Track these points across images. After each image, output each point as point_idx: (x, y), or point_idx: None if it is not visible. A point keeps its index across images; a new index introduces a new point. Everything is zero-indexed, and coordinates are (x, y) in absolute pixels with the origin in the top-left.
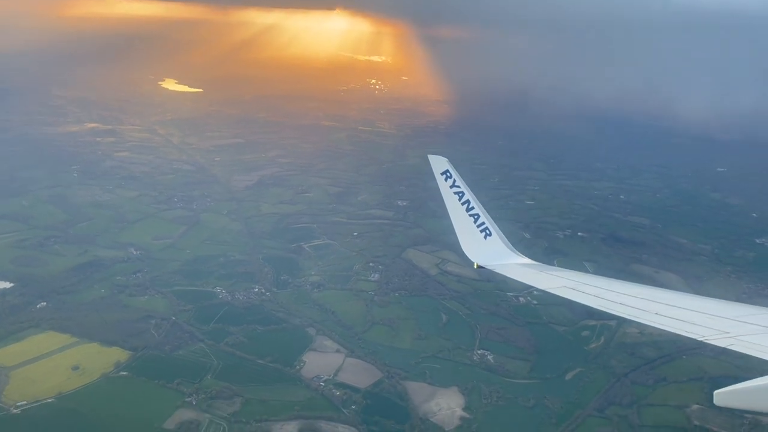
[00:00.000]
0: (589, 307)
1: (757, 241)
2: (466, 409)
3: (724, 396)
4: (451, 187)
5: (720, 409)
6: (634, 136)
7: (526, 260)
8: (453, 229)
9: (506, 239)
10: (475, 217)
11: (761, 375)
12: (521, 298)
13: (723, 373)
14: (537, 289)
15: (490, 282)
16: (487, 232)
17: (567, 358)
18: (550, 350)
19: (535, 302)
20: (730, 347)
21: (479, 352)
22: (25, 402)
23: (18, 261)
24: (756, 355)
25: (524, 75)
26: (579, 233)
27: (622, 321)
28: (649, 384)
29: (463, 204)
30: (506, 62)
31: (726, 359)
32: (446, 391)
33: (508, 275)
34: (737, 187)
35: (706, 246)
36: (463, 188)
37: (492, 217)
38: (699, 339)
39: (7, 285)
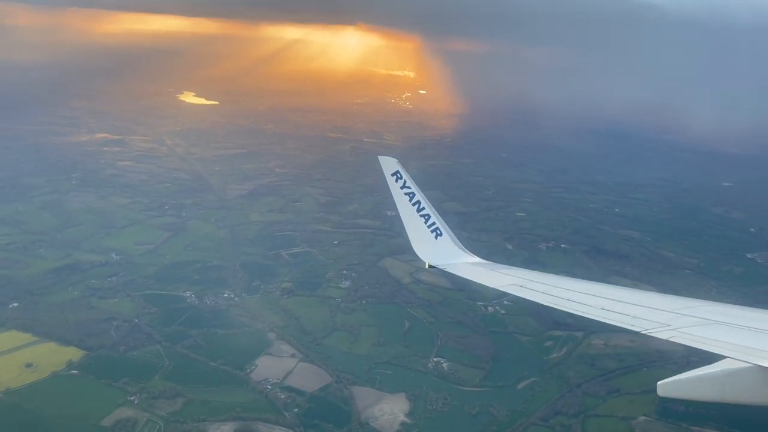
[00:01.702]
0: (537, 303)
1: (748, 255)
2: (408, 415)
3: (666, 386)
4: (401, 188)
5: (666, 420)
6: (640, 149)
7: (477, 259)
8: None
9: (456, 239)
10: (426, 217)
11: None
12: (490, 308)
13: None
14: (494, 290)
15: (462, 291)
16: (438, 232)
17: (523, 367)
18: (508, 359)
19: (503, 312)
20: (671, 339)
21: (435, 359)
22: None
23: (0, 263)
24: (695, 346)
25: (536, 88)
26: (562, 245)
27: (588, 332)
28: (600, 395)
29: (413, 204)
30: (519, 75)
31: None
32: (393, 397)
33: (458, 274)
34: (741, 202)
35: (693, 260)
36: (414, 189)
37: (477, 229)
38: (642, 332)
39: None
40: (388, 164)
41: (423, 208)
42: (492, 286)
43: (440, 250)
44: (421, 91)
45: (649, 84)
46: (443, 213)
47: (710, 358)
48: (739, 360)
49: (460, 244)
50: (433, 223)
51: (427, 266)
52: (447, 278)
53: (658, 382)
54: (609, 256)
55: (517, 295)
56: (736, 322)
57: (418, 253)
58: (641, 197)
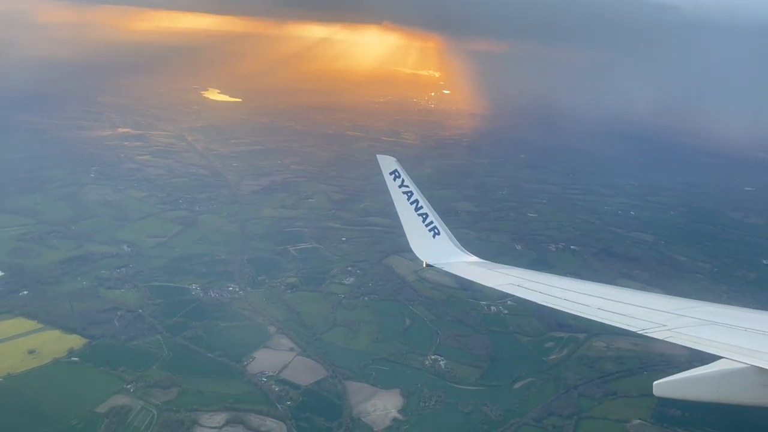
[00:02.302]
0: (535, 303)
1: (764, 261)
2: (401, 411)
3: (662, 386)
4: (399, 186)
5: (662, 424)
6: (662, 153)
7: (475, 258)
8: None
9: (454, 238)
10: (424, 216)
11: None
12: (493, 307)
13: None
14: (496, 291)
15: (466, 290)
16: (436, 231)
17: (521, 367)
18: (506, 359)
19: (506, 312)
20: (667, 339)
21: (432, 357)
22: None
23: (14, 252)
24: (691, 347)
25: (559, 90)
26: (572, 246)
27: (591, 334)
28: (596, 397)
29: (411, 203)
30: (542, 77)
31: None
32: (387, 393)
33: (455, 273)
34: (761, 207)
35: (706, 264)
36: (412, 188)
37: (487, 228)
38: (638, 332)
39: None
40: (387, 163)
41: (421, 207)
42: (489, 285)
43: (438, 249)
44: (445, 91)
45: (671, 86)
46: (455, 212)
47: (710, 359)
48: (735, 360)
49: (458, 243)
50: (431, 222)
51: (424, 265)
52: (451, 277)
53: (654, 382)
54: (619, 258)
55: (514, 294)
56: (732, 323)
57: (415, 252)
58: (659, 201)
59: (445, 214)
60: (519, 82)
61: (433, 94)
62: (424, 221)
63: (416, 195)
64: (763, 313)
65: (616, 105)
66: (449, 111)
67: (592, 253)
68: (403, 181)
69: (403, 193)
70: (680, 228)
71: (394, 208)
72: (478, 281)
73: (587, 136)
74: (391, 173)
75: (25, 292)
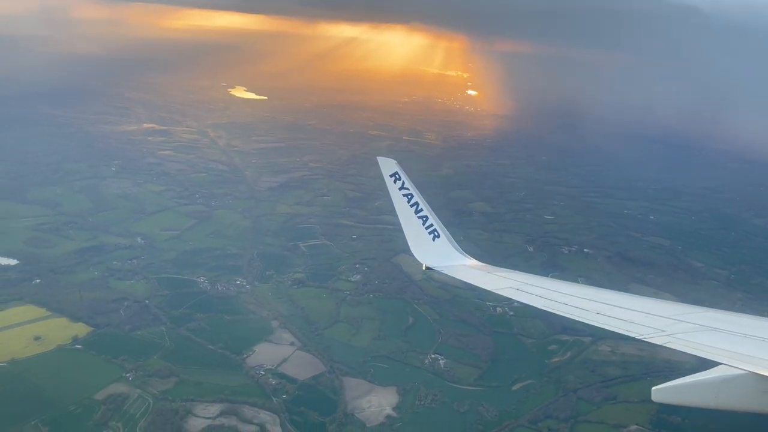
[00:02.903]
0: (534, 307)
1: None
2: (396, 408)
3: (661, 392)
4: (400, 189)
5: (659, 431)
6: (688, 157)
7: (474, 261)
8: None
9: (454, 241)
10: (424, 219)
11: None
12: (498, 309)
13: None
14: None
15: (472, 291)
16: (436, 233)
17: (522, 369)
18: (507, 360)
19: (511, 313)
20: (666, 345)
21: (433, 356)
22: None
23: (30, 242)
24: (689, 352)
25: (585, 91)
26: (585, 249)
27: (597, 338)
28: (596, 401)
29: (411, 206)
30: (569, 78)
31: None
32: (383, 390)
33: (455, 276)
34: None
35: (723, 271)
36: (412, 190)
37: (500, 230)
38: (638, 337)
39: (12, 262)
40: (387, 165)
41: (421, 210)
42: (489, 288)
43: (438, 252)
44: (471, 92)
45: (697, 89)
46: (469, 213)
47: (712, 365)
48: (733, 367)
49: (458, 247)
50: (431, 225)
51: (424, 268)
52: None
53: (653, 388)
54: (633, 262)
55: (513, 298)
56: (732, 329)
57: (415, 255)
58: (680, 205)
59: (459, 215)
60: (544, 83)
61: (460, 94)
62: (423, 224)
63: (416, 197)
64: (764, 319)
65: (641, 107)
66: (474, 112)
67: (606, 257)
68: (403, 183)
69: (404, 195)
70: (700, 233)
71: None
72: (477, 285)
73: (611, 138)
74: (391, 175)
75: (38, 281)
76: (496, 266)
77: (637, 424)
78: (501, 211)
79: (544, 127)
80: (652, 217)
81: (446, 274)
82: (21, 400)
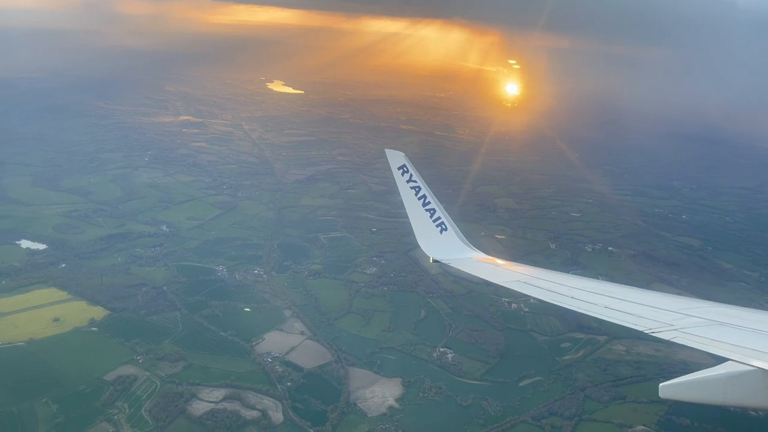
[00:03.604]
0: (541, 300)
1: None
2: (399, 399)
3: (668, 388)
4: (407, 181)
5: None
6: (731, 156)
7: (482, 255)
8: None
9: (461, 234)
10: (431, 211)
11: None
12: (513, 305)
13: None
14: (511, 290)
15: (488, 286)
16: (443, 226)
17: (531, 365)
18: (517, 357)
19: (526, 309)
20: (673, 339)
21: (441, 349)
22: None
23: (60, 228)
24: (697, 347)
25: (628, 87)
26: (609, 248)
27: (612, 337)
28: (603, 400)
29: (419, 198)
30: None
31: None
32: (388, 381)
33: (462, 269)
34: None
35: (753, 273)
36: (420, 183)
37: (524, 226)
38: (645, 331)
39: (41, 247)
40: (395, 158)
41: (429, 202)
42: (496, 282)
43: (445, 245)
44: (511, 87)
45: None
46: (493, 208)
47: (723, 361)
48: (742, 363)
49: (465, 240)
50: (439, 218)
51: (431, 261)
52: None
53: (660, 384)
54: (657, 262)
55: (520, 291)
56: (741, 324)
57: (422, 248)
58: (716, 205)
59: (483, 210)
60: (585, 79)
61: (498, 90)
62: (431, 216)
63: (424, 190)
64: None
65: (686, 105)
66: (511, 107)
67: (630, 256)
68: (411, 176)
69: (411, 188)
70: (732, 234)
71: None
72: (484, 277)
73: (652, 136)
74: (399, 168)
75: (64, 265)
76: (506, 260)
77: (643, 425)
78: (526, 207)
79: (582, 124)
80: (684, 217)
81: (453, 267)
82: (34, 378)
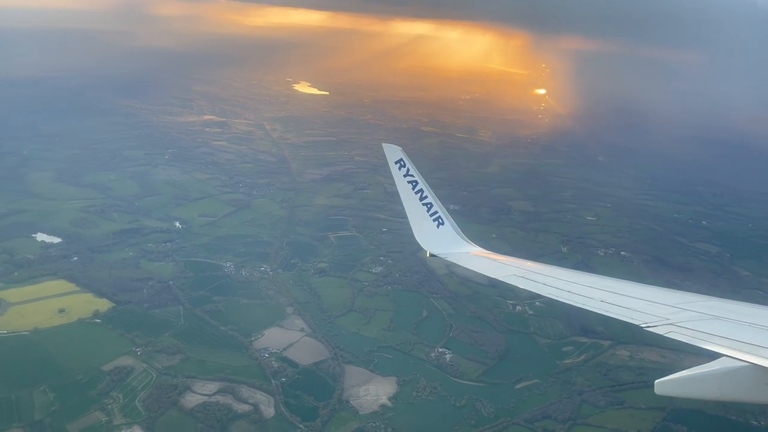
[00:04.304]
0: (537, 294)
1: None
2: (392, 398)
3: (664, 385)
4: (404, 176)
5: None
6: (759, 162)
7: (479, 249)
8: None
9: (458, 228)
10: (428, 206)
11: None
12: (519, 307)
13: (693, 407)
14: (513, 287)
15: (494, 287)
16: (440, 221)
17: (529, 368)
18: (517, 359)
19: (531, 312)
20: (667, 335)
21: (440, 349)
22: (5, 331)
23: (76, 222)
24: (691, 342)
25: (655, 90)
26: (622, 252)
27: (617, 342)
28: (600, 405)
29: (416, 193)
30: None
31: None
32: (383, 379)
33: (458, 263)
34: None
35: None
36: (417, 177)
37: (537, 229)
38: (641, 325)
39: (56, 240)
40: (392, 152)
41: (426, 197)
42: (491, 276)
43: (442, 239)
44: (540, 90)
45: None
46: (507, 211)
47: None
48: (735, 359)
49: (462, 234)
50: (436, 212)
51: (428, 255)
52: (451, 266)
53: (656, 381)
54: (671, 267)
55: (517, 285)
56: (736, 318)
57: (419, 242)
58: (739, 211)
59: (497, 213)
60: (612, 82)
61: (526, 92)
62: (428, 211)
63: (421, 184)
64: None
65: (714, 108)
66: (536, 110)
67: (643, 261)
68: (408, 170)
69: (408, 182)
70: (753, 242)
71: (446, 203)
72: (480, 271)
73: (678, 140)
74: (396, 162)
75: (75, 258)
76: (501, 254)
77: (638, 431)
78: (542, 210)
79: (607, 127)
80: (704, 223)
81: (450, 261)
82: (35, 366)
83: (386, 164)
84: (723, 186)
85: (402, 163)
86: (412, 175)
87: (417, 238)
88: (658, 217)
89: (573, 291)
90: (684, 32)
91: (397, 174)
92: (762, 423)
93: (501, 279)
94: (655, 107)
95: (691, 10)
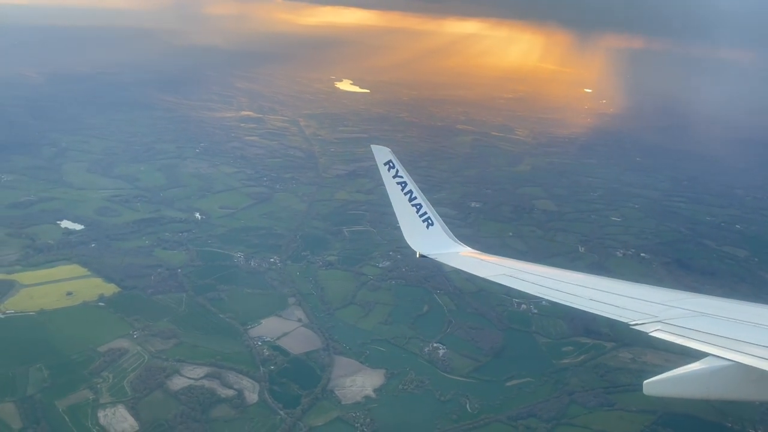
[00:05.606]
0: (527, 293)
1: None
2: (377, 390)
3: (653, 385)
4: (393, 177)
5: None
6: None
7: (469, 249)
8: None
9: (448, 229)
10: (418, 207)
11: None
12: (523, 306)
13: (687, 411)
14: (505, 287)
15: (500, 286)
16: (430, 221)
17: (523, 366)
18: (512, 357)
19: (535, 311)
20: (653, 333)
21: (434, 344)
22: (12, 311)
23: (100, 210)
24: (678, 342)
25: (702, 89)
26: (642, 254)
27: (621, 344)
28: (589, 406)
29: (405, 194)
30: (686, 76)
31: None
32: (372, 371)
33: (449, 264)
34: None
35: None
36: (406, 178)
37: (557, 228)
38: (629, 323)
39: (79, 227)
40: (381, 153)
41: (415, 198)
42: (481, 275)
43: (432, 240)
44: (586, 89)
45: None
46: (529, 210)
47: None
48: (721, 358)
49: (452, 235)
50: (425, 213)
51: (418, 256)
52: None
53: (644, 381)
54: (691, 271)
55: (505, 284)
56: (724, 315)
57: (409, 243)
58: None
59: (518, 212)
60: (661, 81)
61: (572, 91)
62: (417, 212)
63: (410, 185)
64: (757, 305)
65: (765, 109)
66: (579, 108)
67: (663, 263)
68: (397, 171)
69: (397, 183)
70: None
71: (468, 201)
72: (470, 272)
73: (723, 141)
74: (385, 163)
75: (93, 245)
76: (493, 254)
77: None
78: (566, 210)
79: (650, 127)
80: (738, 226)
81: (440, 262)
82: (35, 345)
83: (414, 162)
84: (763, 189)
85: (391, 164)
86: (401, 177)
87: (407, 239)
88: (688, 219)
89: (561, 290)
90: (739, 31)
91: (386, 175)
92: (759, 429)
93: (490, 278)
94: (703, 107)
95: (744, 8)
